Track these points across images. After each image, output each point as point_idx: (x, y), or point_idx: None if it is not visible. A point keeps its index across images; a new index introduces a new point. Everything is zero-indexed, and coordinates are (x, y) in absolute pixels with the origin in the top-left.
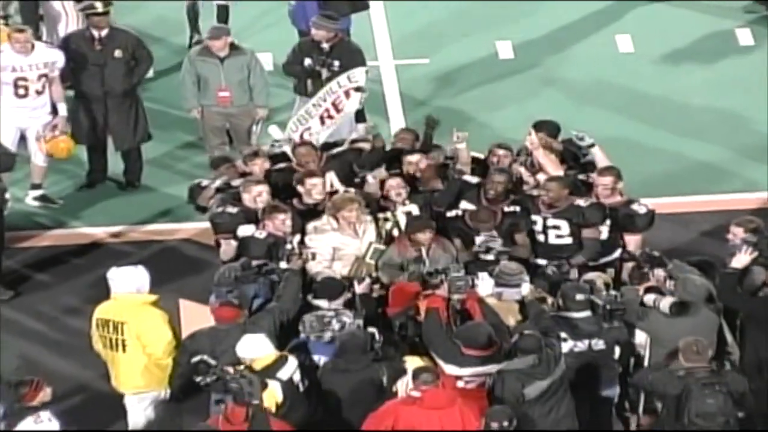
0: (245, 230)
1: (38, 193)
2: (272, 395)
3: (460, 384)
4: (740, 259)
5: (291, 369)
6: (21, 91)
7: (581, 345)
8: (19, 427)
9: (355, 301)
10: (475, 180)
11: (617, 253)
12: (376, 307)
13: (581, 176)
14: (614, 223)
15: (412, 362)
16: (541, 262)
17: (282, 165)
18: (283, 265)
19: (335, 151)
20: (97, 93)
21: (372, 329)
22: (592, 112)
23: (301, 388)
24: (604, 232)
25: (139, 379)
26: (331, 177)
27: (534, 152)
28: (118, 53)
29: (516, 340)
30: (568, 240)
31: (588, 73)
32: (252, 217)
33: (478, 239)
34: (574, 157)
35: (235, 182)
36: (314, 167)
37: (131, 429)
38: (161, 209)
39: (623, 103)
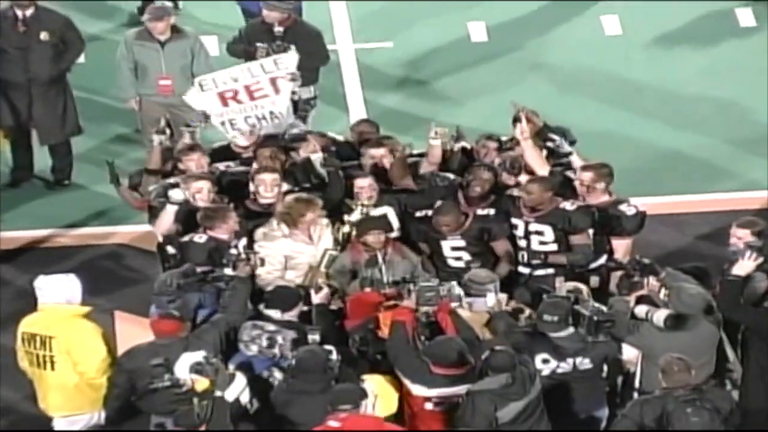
0: (177, 195)
1: None
2: None
3: (429, 406)
4: (743, 266)
5: (238, 388)
6: None
7: (565, 365)
8: None
9: (311, 314)
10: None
11: (603, 259)
12: (334, 320)
13: (569, 173)
14: (600, 225)
15: (372, 382)
16: (523, 270)
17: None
18: (228, 271)
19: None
20: (20, 80)
21: (329, 347)
22: (575, 102)
23: (251, 410)
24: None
25: (70, 400)
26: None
27: (523, 143)
28: (44, 36)
29: (486, 358)
30: (553, 247)
31: (571, 58)
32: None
33: (445, 243)
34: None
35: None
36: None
37: None
38: (94, 210)
39: (610, 92)
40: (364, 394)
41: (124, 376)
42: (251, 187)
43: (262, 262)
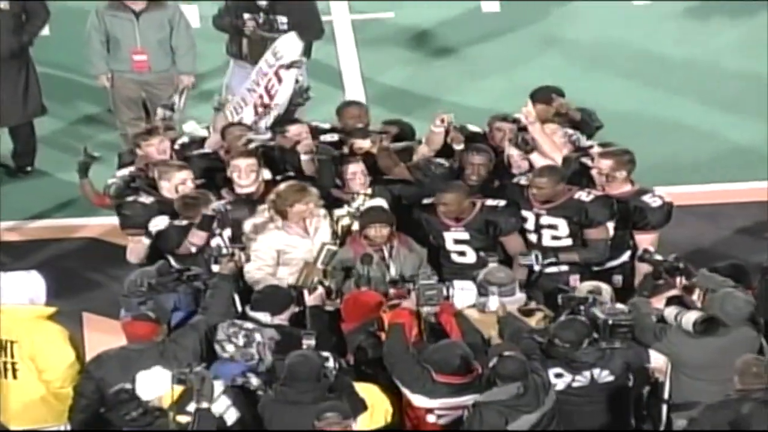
0: (158, 223)
1: None
2: None
3: (431, 419)
4: None
5: (224, 402)
6: None
7: (581, 379)
8: None
9: (305, 317)
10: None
11: (626, 256)
12: (330, 323)
13: (585, 159)
14: (622, 218)
15: (368, 393)
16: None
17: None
18: (214, 268)
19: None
20: None
21: (325, 353)
22: (596, 80)
23: (229, 423)
24: (610, 229)
25: (33, 411)
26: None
27: (530, 128)
28: (3, 4)
29: (494, 365)
30: (567, 242)
31: (592, 31)
32: (170, 209)
33: (447, 235)
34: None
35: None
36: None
37: None
38: (60, 200)
39: (635, 69)
40: (357, 409)
41: (92, 385)
42: (229, 175)
43: (248, 257)
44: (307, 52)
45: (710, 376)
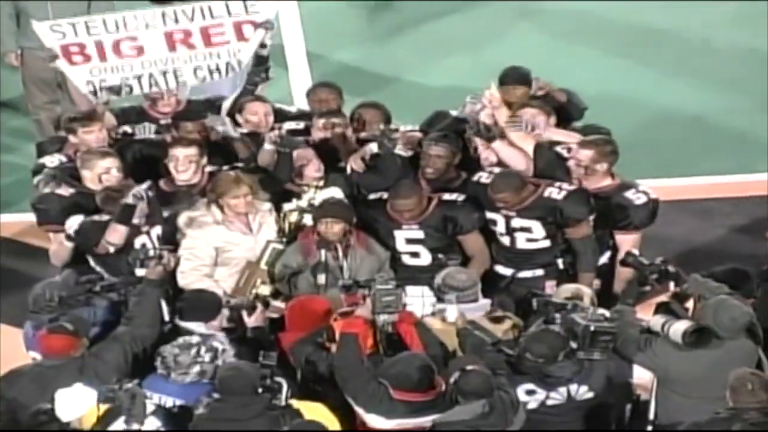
0: (74, 223)
1: None
2: None
3: None
4: None
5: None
6: None
7: (557, 396)
8: None
9: (245, 331)
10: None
11: (605, 257)
12: (270, 333)
13: (561, 149)
14: (602, 216)
15: (314, 413)
16: (504, 271)
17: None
18: (139, 272)
19: None
20: None
21: (279, 378)
22: (575, 57)
23: None
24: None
25: None
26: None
27: (495, 114)
28: None
29: (456, 380)
30: (545, 243)
31: (571, 2)
32: (92, 202)
33: (399, 233)
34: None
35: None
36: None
37: None
38: None
39: (619, 44)
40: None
41: (2, 406)
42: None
43: (177, 260)
44: None
45: (701, 393)
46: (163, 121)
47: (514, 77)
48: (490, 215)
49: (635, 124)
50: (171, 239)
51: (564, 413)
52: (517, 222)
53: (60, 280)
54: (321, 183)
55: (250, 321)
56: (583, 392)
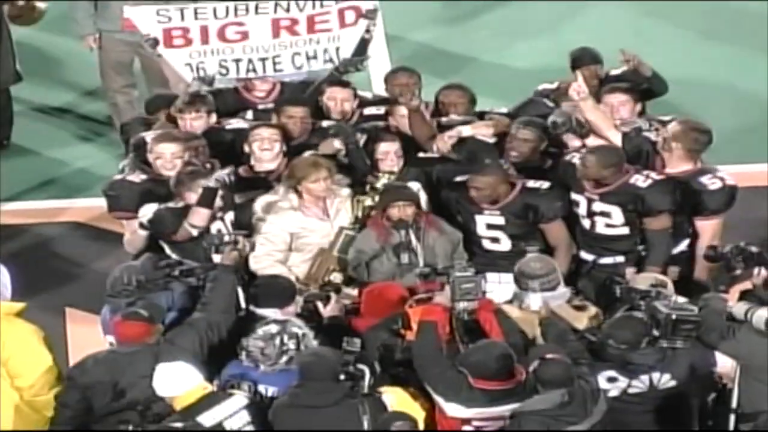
0: (147, 212)
1: None
2: None
3: (468, 430)
4: None
5: (230, 409)
6: None
7: (639, 384)
8: None
9: (321, 321)
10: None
11: (684, 245)
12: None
13: (648, 134)
14: (680, 202)
15: (391, 396)
16: (586, 256)
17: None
18: (215, 258)
19: None
20: None
21: (362, 366)
22: (663, 37)
23: None
24: None
25: (6, 423)
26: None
27: (581, 105)
28: None
29: (535, 369)
30: (623, 230)
31: None
32: (164, 189)
33: (479, 218)
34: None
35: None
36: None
37: None
38: (40, 179)
39: (708, 24)
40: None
41: (77, 394)
42: (247, 149)
43: (253, 245)
44: None
45: None
46: (261, 106)
47: (587, 59)
48: (574, 196)
49: (719, 106)
50: (244, 225)
51: (646, 402)
52: (598, 206)
53: (138, 264)
54: (395, 171)
55: (326, 311)
56: (665, 381)
